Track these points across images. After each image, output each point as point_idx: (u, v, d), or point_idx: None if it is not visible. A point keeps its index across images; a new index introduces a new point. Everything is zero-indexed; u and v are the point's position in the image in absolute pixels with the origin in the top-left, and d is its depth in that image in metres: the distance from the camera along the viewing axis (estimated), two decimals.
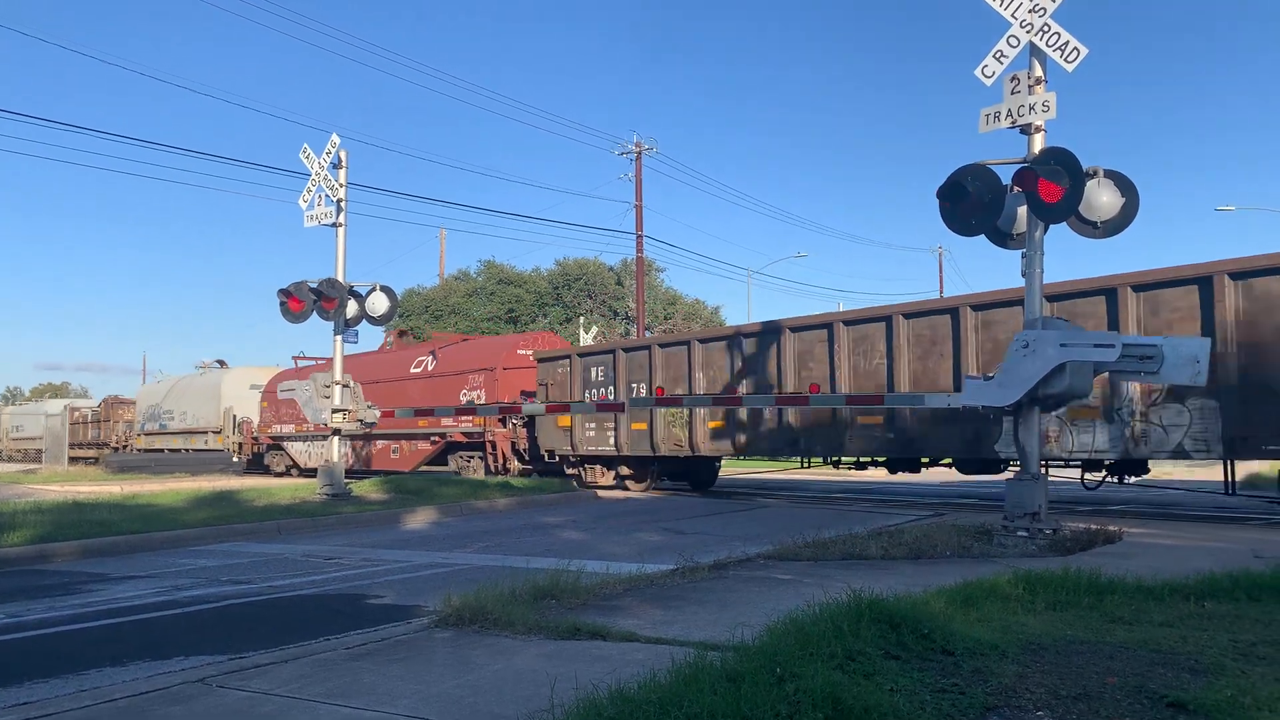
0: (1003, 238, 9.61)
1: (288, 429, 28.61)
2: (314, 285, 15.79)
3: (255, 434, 30.28)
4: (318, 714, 4.05)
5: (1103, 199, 9.00)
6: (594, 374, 19.56)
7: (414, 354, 26.38)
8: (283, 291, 15.79)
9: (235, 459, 31.45)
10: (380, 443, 25.60)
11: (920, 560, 8.25)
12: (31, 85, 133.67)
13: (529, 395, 21.27)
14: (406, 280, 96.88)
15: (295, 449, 28.73)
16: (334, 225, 16.44)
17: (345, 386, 16.28)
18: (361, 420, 16.35)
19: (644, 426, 18.07)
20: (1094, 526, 9.50)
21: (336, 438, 16.46)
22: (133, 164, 60.16)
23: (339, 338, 16.39)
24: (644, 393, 17.98)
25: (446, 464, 24.01)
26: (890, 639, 4.54)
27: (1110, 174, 9.16)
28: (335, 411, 16.09)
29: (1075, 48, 8.81)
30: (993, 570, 6.97)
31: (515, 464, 21.85)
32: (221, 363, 38.63)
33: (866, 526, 10.36)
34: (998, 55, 9.24)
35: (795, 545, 8.67)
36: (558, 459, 20.34)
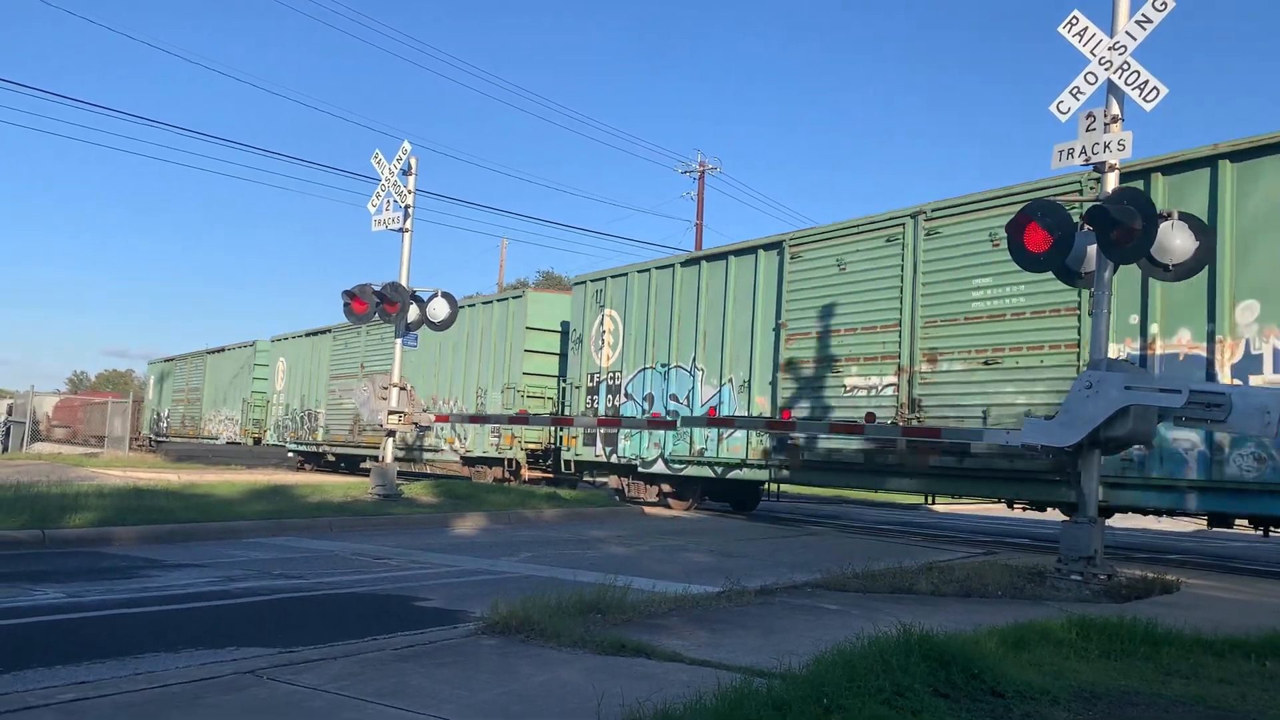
0: (1071, 275, 9.45)
1: None
2: (377, 288, 16.02)
3: None
4: (365, 713, 4.11)
5: (1176, 242, 8.80)
6: None
7: None
8: (347, 293, 16.04)
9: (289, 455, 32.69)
10: None
11: (970, 598, 8.13)
12: (108, 80, 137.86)
13: None
14: (466, 287, 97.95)
15: None
16: (400, 230, 16.69)
17: (402, 389, 16.49)
18: (416, 423, 16.56)
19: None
20: (1150, 575, 9.27)
21: (391, 439, 16.67)
22: (210, 160, 61.94)
23: (399, 340, 16.63)
24: None
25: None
26: (939, 676, 4.49)
27: (1185, 216, 8.97)
28: (392, 413, 16.30)
29: (1155, 87, 8.64)
30: (1045, 613, 6.85)
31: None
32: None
33: (916, 560, 10.21)
34: (1074, 91, 9.10)
35: (843, 575, 8.58)
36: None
